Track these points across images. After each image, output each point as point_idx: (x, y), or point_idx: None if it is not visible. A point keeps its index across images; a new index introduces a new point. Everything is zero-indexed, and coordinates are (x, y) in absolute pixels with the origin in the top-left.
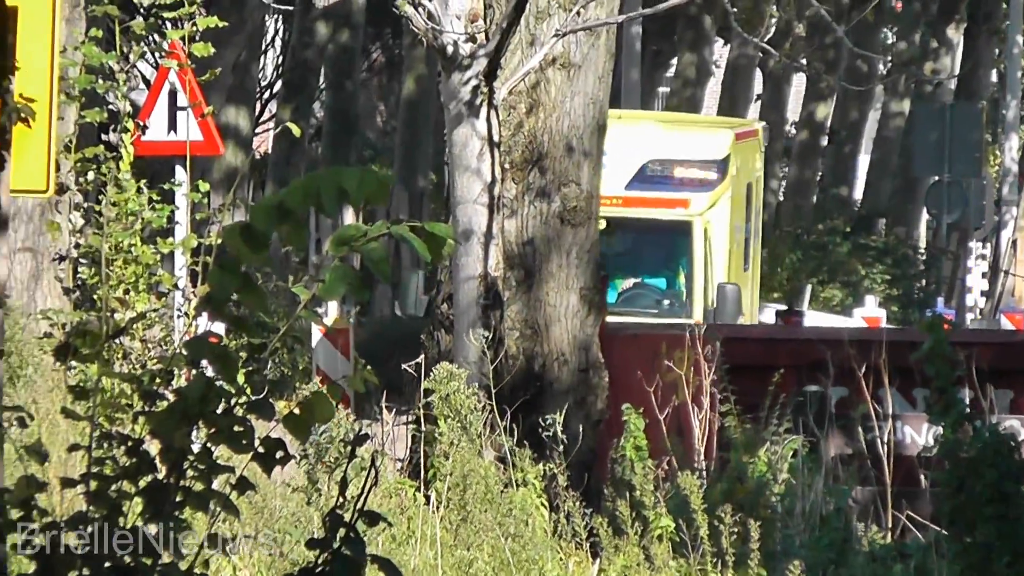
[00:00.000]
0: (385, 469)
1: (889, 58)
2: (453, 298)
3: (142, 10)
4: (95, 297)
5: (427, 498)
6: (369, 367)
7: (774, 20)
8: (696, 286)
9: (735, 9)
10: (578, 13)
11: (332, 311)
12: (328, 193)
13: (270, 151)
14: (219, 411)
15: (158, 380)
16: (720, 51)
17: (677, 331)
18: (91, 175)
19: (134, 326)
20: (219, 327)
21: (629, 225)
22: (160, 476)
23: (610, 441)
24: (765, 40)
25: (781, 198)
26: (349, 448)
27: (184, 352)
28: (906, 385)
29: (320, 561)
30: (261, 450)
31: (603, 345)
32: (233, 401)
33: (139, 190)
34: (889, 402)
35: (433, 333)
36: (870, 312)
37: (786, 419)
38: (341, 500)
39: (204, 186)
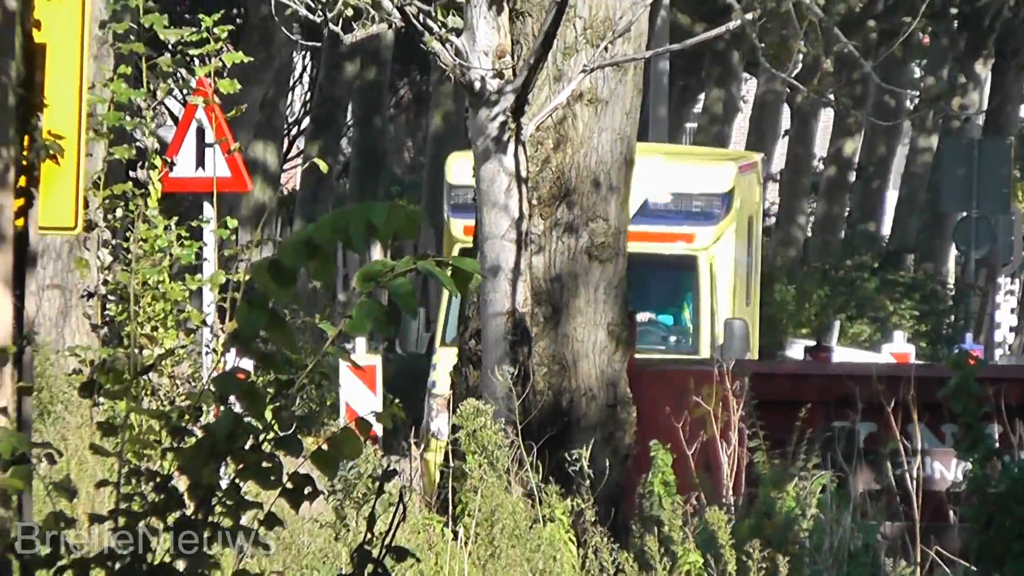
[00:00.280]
0: (413, 505)
1: (917, 93)
2: (481, 334)
3: (169, 47)
4: (123, 334)
5: (455, 534)
6: (397, 402)
7: (802, 55)
8: (703, 322)
9: (763, 45)
10: (605, 49)
11: (360, 346)
12: (356, 229)
13: (298, 187)
14: (247, 447)
15: (186, 416)
16: (747, 87)
17: (705, 367)
18: (119, 212)
19: (162, 362)
20: (247, 363)
21: (633, 259)
22: (188, 512)
23: (638, 476)
24: (793, 75)
25: (809, 234)
26: (377, 484)
27: (212, 388)
28: (935, 421)
29: None
30: (289, 486)
31: (631, 381)
32: (261, 437)
33: (167, 227)
34: (918, 437)
35: (461, 369)
36: (899, 348)
37: (814, 455)
38: (369, 536)
39: (232, 223)
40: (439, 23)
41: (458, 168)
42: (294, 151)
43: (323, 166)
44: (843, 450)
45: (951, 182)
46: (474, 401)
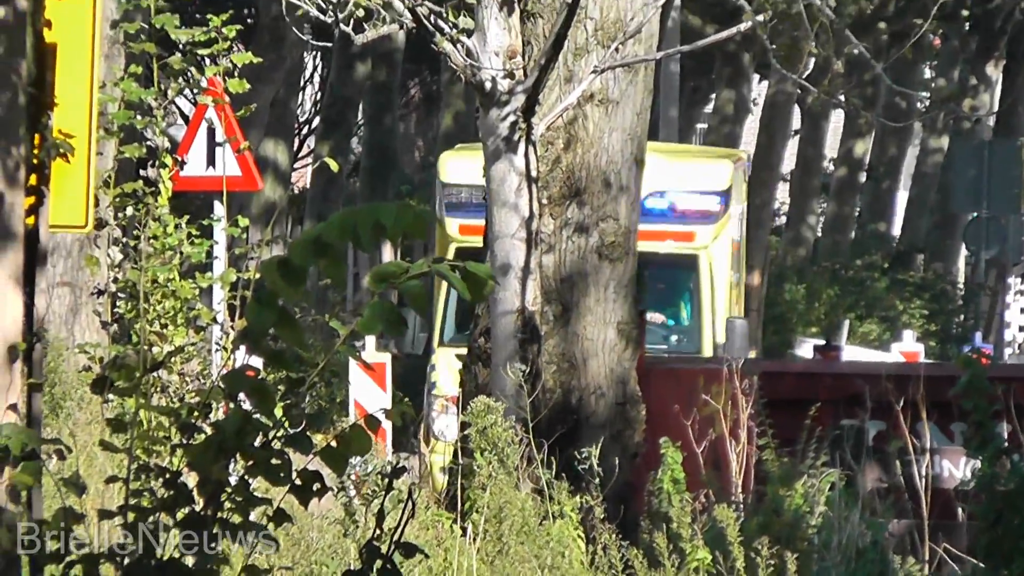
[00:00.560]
0: (422, 501)
1: (928, 95)
2: (490, 332)
3: (180, 46)
4: (132, 331)
5: (464, 530)
6: (407, 400)
7: (813, 57)
8: (705, 321)
9: (774, 46)
10: (616, 50)
11: (370, 345)
12: (365, 228)
13: (308, 186)
14: (256, 444)
15: (196, 413)
16: (758, 88)
17: (714, 365)
18: (129, 210)
19: (172, 360)
20: (257, 361)
21: None
22: (197, 508)
23: (647, 474)
24: (804, 77)
25: (819, 234)
26: (386, 480)
27: (222, 385)
28: (944, 419)
29: None
30: (298, 482)
31: (640, 379)
32: (271, 434)
33: (178, 225)
34: (927, 436)
35: (470, 367)
36: (908, 347)
37: (823, 453)
38: (378, 532)
39: (244, 221)
40: (450, 24)
41: (451, 167)
42: (305, 150)
43: (333, 165)
44: (852, 448)
45: (961, 183)
46: (485, 398)
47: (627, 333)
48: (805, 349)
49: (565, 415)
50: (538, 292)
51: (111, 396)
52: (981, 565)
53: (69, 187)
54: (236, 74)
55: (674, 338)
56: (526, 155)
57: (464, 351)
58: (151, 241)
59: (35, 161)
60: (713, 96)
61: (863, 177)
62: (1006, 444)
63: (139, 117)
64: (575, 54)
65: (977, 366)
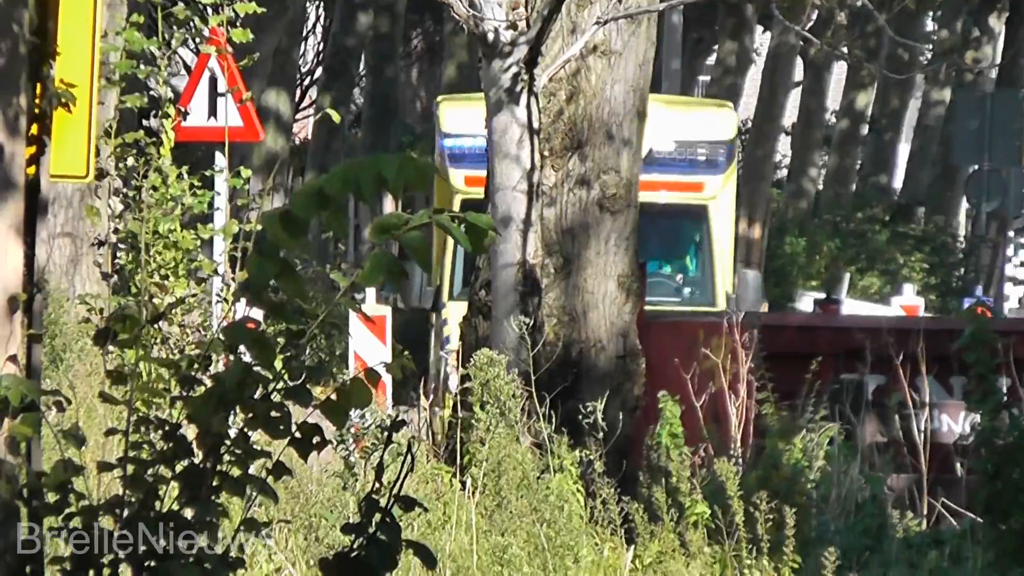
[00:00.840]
0: (421, 455)
1: (930, 47)
2: (491, 285)
3: None
4: (133, 282)
5: (463, 484)
6: (407, 353)
7: (816, 8)
8: (718, 273)
9: None
10: (619, 1)
11: (370, 297)
12: (367, 180)
13: (310, 137)
14: (256, 396)
15: (196, 365)
16: (761, 39)
17: (714, 319)
18: (131, 160)
19: (172, 311)
20: (257, 313)
21: (642, 209)
22: (197, 461)
23: (646, 428)
24: (806, 28)
25: (821, 186)
26: (385, 434)
27: (222, 338)
28: (943, 373)
29: (356, 546)
30: (298, 435)
31: (640, 332)
32: (271, 387)
33: (180, 176)
34: (926, 390)
35: (471, 319)
36: (908, 300)
37: (823, 407)
38: (377, 485)
39: (246, 172)
40: None
41: (451, 116)
42: (307, 101)
43: (335, 116)
44: (851, 402)
45: (963, 135)
46: (488, 351)
47: (627, 286)
48: (805, 302)
49: (565, 368)
50: (539, 245)
51: (111, 348)
52: (979, 520)
53: (70, 137)
54: (239, 24)
55: (687, 290)
56: (528, 107)
57: None
58: (152, 192)
59: (36, 111)
60: (716, 48)
61: (865, 129)
62: (1006, 398)
63: (142, 67)
64: (578, 5)
65: (981, 319)
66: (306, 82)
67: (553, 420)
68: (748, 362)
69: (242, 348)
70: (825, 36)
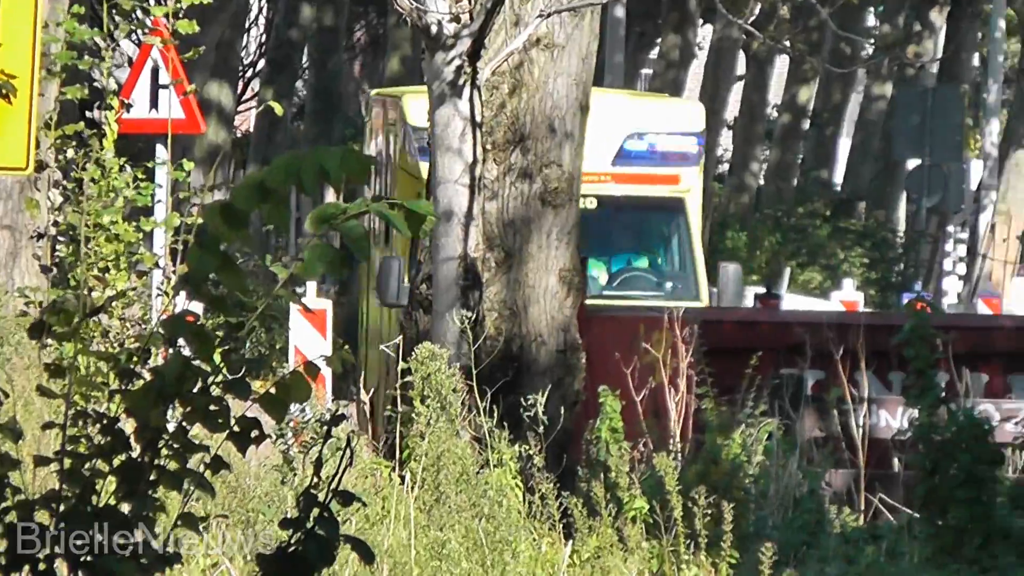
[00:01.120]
0: (361, 449)
1: (872, 41)
2: (432, 279)
3: None
4: (72, 275)
5: (402, 478)
6: (347, 347)
7: (759, 2)
8: (699, 267)
9: None
10: None
11: (311, 290)
12: (309, 173)
13: (252, 129)
14: (195, 390)
15: (134, 359)
16: (703, 33)
17: (655, 313)
18: (71, 152)
19: (112, 304)
20: (197, 306)
21: (619, 203)
22: (135, 455)
23: (586, 422)
24: (749, 22)
25: (762, 181)
26: (324, 428)
27: (161, 331)
28: (882, 368)
29: (293, 541)
30: (237, 429)
31: (581, 327)
32: (209, 380)
33: (122, 168)
34: (865, 385)
35: (412, 314)
36: (848, 295)
37: (762, 402)
38: (316, 480)
39: (189, 165)
40: None
41: (416, 108)
42: (249, 93)
43: (278, 109)
44: (790, 397)
45: (904, 130)
46: (429, 345)
47: (568, 280)
48: (746, 297)
49: (506, 363)
50: (480, 238)
51: (49, 341)
52: (917, 515)
53: (10, 129)
54: (182, 15)
55: (669, 285)
56: (471, 100)
57: None
58: (92, 184)
59: None
60: (659, 41)
61: (807, 124)
62: (944, 394)
63: (85, 58)
64: None
65: (921, 315)
66: (248, 74)
67: (494, 414)
68: (688, 357)
69: (181, 341)
70: (768, 30)
